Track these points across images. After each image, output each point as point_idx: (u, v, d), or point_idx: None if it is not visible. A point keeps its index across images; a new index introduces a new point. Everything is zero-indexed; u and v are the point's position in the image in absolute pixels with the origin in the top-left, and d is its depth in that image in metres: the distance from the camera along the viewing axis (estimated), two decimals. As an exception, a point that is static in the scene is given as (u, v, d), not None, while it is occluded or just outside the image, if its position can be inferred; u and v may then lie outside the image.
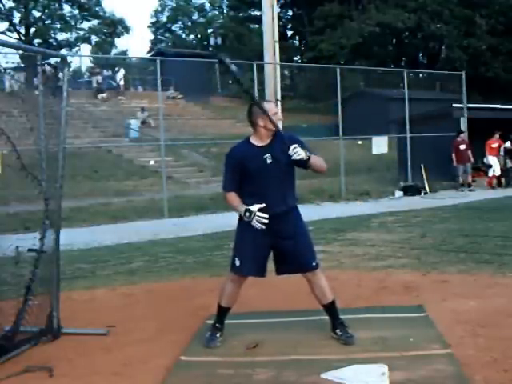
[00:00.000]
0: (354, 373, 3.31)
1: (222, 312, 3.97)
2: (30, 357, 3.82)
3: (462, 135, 15.69)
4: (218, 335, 3.92)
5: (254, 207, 3.64)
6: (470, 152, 15.54)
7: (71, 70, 24.67)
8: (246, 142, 3.85)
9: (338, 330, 3.86)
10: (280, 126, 3.82)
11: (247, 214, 3.64)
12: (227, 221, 9.92)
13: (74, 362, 3.73)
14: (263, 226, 3.64)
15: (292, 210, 3.84)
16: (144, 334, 4.23)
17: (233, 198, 3.79)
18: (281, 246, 3.80)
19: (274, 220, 3.67)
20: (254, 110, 3.75)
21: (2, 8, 37.92)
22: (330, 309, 3.92)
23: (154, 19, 49.87)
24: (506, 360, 3.40)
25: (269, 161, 3.73)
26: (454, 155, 15.47)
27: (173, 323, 4.45)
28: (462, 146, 15.52)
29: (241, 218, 3.80)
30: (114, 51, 46.85)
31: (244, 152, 3.79)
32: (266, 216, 3.63)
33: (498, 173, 15.97)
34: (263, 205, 3.65)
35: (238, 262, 3.81)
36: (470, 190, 15.08)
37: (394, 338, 3.84)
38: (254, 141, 3.81)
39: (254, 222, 3.63)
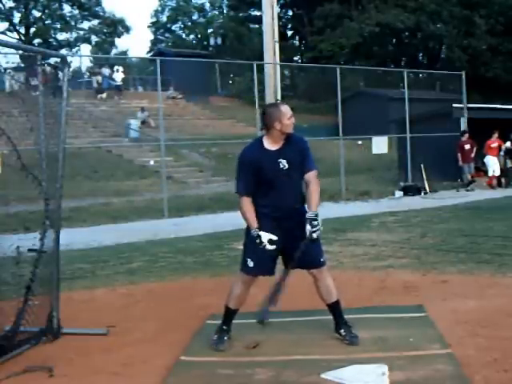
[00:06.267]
0: (354, 373, 3.31)
1: (230, 314, 3.92)
2: (30, 357, 3.82)
3: (466, 135, 15.76)
4: (225, 338, 3.87)
5: (265, 237, 3.64)
6: (474, 151, 15.71)
7: (71, 70, 24.61)
8: (258, 145, 3.78)
9: (342, 330, 3.86)
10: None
11: (257, 240, 3.65)
12: (227, 221, 9.97)
13: (74, 362, 3.74)
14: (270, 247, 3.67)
15: (302, 208, 3.81)
16: (144, 334, 4.23)
17: (248, 207, 3.74)
18: (290, 243, 3.74)
19: (287, 219, 3.72)
20: (271, 113, 3.71)
21: (2, 8, 37.93)
22: (335, 308, 3.91)
23: (154, 19, 49.79)
24: (506, 360, 3.40)
25: (283, 166, 3.71)
26: (459, 155, 15.57)
27: (173, 323, 4.45)
28: (467, 146, 15.66)
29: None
30: (114, 51, 46.86)
31: (257, 156, 3.73)
32: (274, 247, 3.66)
33: (497, 173, 15.97)
34: (275, 238, 3.66)
35: (251, 264, 3.78)
36: (466, 190, 15.09)
37: (393, 338, 3.84)
38: (267, 144, 3.75)
39: (262, 246, 3.66)
